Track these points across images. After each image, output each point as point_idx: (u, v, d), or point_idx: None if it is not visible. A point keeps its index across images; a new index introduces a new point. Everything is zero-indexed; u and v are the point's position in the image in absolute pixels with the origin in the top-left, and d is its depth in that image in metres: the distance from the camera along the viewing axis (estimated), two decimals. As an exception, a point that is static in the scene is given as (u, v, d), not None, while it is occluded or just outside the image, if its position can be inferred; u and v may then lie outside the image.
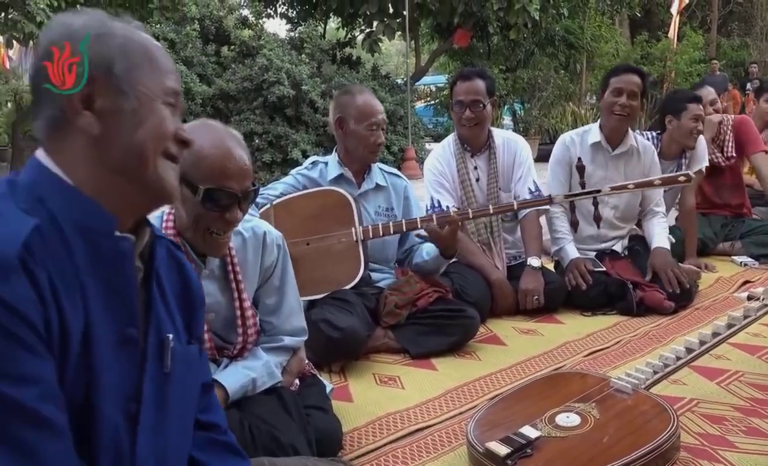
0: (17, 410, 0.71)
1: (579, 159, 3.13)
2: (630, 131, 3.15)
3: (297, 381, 1.77)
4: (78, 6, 10.08)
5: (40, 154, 0.86)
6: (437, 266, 2.68)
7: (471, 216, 2.52)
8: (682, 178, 2.59)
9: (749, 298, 2.17)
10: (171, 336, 0.94)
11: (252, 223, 1.70)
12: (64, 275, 0.79)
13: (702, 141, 3.64)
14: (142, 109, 0.87)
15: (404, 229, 2.58)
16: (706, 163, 3.65)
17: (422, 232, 2.55)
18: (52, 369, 0.76)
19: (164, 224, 1.53)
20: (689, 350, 1.92)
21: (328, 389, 1.84)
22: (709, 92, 4.00)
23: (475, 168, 3.01)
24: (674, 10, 13.75)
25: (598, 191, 2.81)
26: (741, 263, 3.69)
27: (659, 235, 3.08)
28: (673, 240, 3.15)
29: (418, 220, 2.56)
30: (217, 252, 1.53)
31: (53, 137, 0.86)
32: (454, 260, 2.96)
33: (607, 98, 3.08)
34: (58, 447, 0.74)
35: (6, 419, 0.71)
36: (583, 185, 3.11)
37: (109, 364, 0.83)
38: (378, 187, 2.68)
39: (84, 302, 0.81)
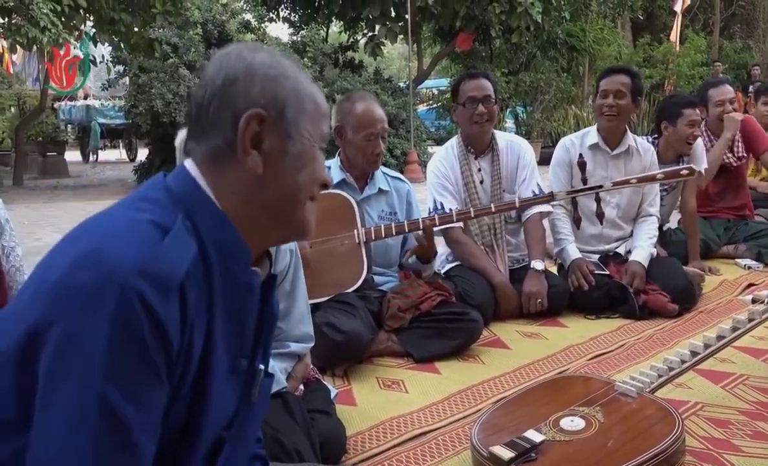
0: (123, 434, 0.71)
1: (580, 155, 3.13)
2: (628, 132, 3.16)
3: (301, 386, 1.76)
4: (81, 11, 10.12)
5: (193, 169, 0.86)
6: (422, 270, 2.69)
7: (473, 215, 2.52)
8: (684, 172, 2.59)
9: (754, 301, 2.17)
10: (262, 367, 0.95)
11: None
12: (201, 299, 0.79)
13: (700, 144, 3.64)
14: (305, 154, 0.88)
15: (406, 230, 2.58)
16: (706, 166, 3.64)
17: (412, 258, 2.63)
18: (164, 400, 0.76)
19: None
20: (694, 354, 1.92)
21: (332, 394, 1.84)
22: (727, 90, 3.96)
23: (479, 170, 3.01)
24: (678, 8, 13.71)
25: (600, 187, 2.81)
26: (745, 265, 3.68)
27: (640, 246, 3.05)
28: (655, 252, 3.12)
29: (420, 220, 2.56)
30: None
31: (212, 162, 0.86)
32: (457, 263, 2.96)
33: (597, 101, 3.15)
34: None
35: (108, 432, 0.70)
36: (585, 182, 3.11)
37: (220, 392, 0.84)
38: (381, 191, 2.68)
39: (209, 328, 0.81)
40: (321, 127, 0.91)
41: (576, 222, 3.19)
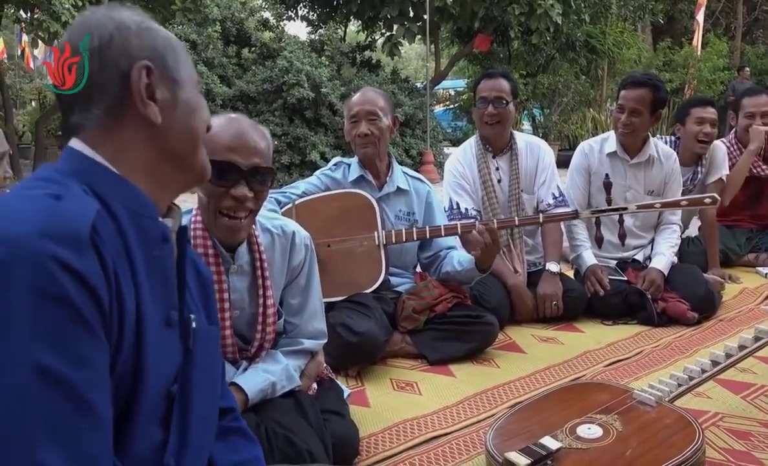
0: (69, 393, 0.69)
1: (606, 176, 3.09)
2: (650, 140, 3.11)
3: (315, 385, 1.75)
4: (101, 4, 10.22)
5: (78, 145, 0.85)
6: (469, 278, 2.56)
7: (496, 225, 2.45)
8: (708, 201, 2.53)
9: (776, 311, 2.12)
10: (193, 316, 0.94)
11: (281, 221, 1.69)
12: (120, 256, 0.79)
13: (721, 149, 3.58)
14: (191, 98, 0.92)
15: (428, 236, 2.54)
16: (726, 172, 3.58)
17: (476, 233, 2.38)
18: (107, 355, 0.75)
19: (193, 220, 1.55)
20: (715, 363, 1.88)
21: (345, 394, 1.83)
22: (762, 102, 3.76)
23: (497, 169, 2.98)
24: (700, 17, 13.55)
25: (624, 209, 2.77)
26: (766, 274, 3.62)
27: (660, 254, 3.01)
28: (675, 260, 3.07)
29: (442, 228, 2.53)
30: (230, 236, 1.53)
31: (107, 125, 0.85)
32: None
33: (614, 112, 3.11)
34: (99, 439, 0.72)
35: (56, 398, 0.68)
36: (609, 202, 3.07)
37: (157, 347, 0.83)
38: (399, 190, 2.65)
39: (135, 286, 0.81)
40: (194, 71, 0.94)
41: (598, 241, 3.15)
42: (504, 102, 2.88)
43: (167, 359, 0.88)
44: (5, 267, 0.68)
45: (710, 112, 3.44)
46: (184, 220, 1.55)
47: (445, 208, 2.88)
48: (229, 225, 1.50)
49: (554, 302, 2.83)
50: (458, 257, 2.57)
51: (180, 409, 0.90)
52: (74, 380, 0.69)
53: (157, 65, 0.87)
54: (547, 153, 3.05)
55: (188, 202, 1.54)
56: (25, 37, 12.26)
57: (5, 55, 13.92)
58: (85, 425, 0.70)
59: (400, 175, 2.67)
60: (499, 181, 2.97)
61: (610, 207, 2.97)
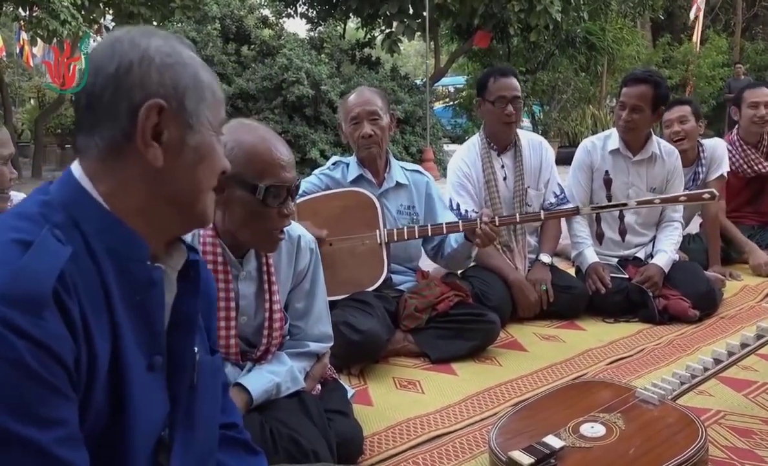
0: (38, 454, 0.69)
1: (606, 172, 3.09)
2: (652, 137, 3.11)
3: (319, 385, 1.75)
4: (101, 5, 10.19)
5: (78, 171, 0.82)
6: (467, 252, 2.60)
7: (497, 223, 2.47)
8: (706, 196, 2.54)
9: (778, 309, 2.13)
10: (197, 349, 0.93)
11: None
12: (95, 301, 0.77)
13: (719, 147, 3.59)
14: (204, 144, 0.86)
15: (429, 233, 2.54)
16: (727, 168, 3.59)
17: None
18: (75, 409, 0.74)
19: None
20: (717, 361, 1.88)
21: (349, 394, 1.83)
22: (762, 93, 3.78)
23: (502, 167, 2.98)
24: (692, 15, 13.53)
25: (624, 205, 2.77)
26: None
27: (662, 251, 3.01)
28: (676, 257, 3.08)
29: (444, 226, 2.53)
30: (273, 248, 1.56)
31: (107, 156, 0.82)
32: (473, 263, 2.94)
33: (616, 109, 3.11)
34: None
35: (26, 462, 0.69)
36: (609, 199, 3.07)
37: (139, 390, 0.82)
38: (398, 185, 2.65)
39: (113, 328, 0.79)
40: (220, 115, 0.89)
41: (599, 237, 3.15)
42: (521, 100, 2.92)
43: (153, 403, 0.86)
44: None
45: (678, 113, 3.50)
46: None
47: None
48: (277, 239, 1.52)
49: (543, 286, 2.84)
50: (454, 236, 2.59)
51: (181, 448, 0.89)
52: (39, 440, 0.69)
53: (172, 105, 0.82)
54: (549, 150, 3.07)
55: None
56: (24, 35, 12.23)
57: (4, 53, 13.90)
58: None
59: (398, 170, 2.67)
60: (504, 178, 2.97)
61: (610, 203, 2.97)
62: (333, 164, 2.68)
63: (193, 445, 0.91)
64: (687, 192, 2.88)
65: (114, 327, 0.79)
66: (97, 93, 0.81)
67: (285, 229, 1.65)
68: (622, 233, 3.14)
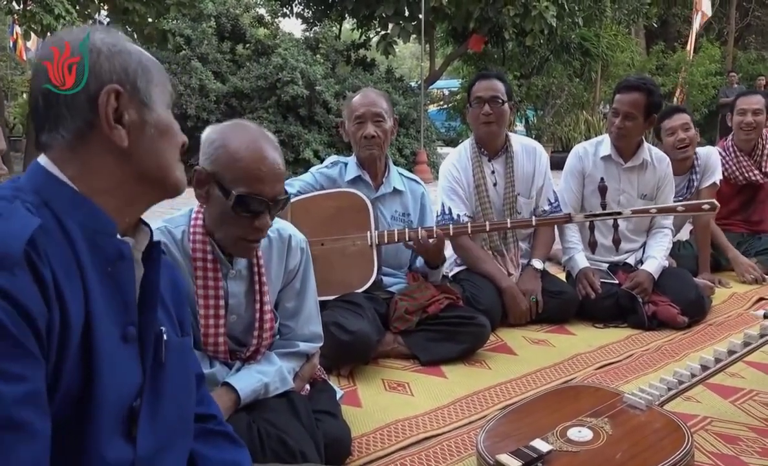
0: None
1: (602, 180, 3.10)
2: (644, 144, 3.12)
3: (308, 386, 1.75)
4: (96, 0, 10.15)
5: (45, 161, 0.87)
6: (429, 275, 2.66)
7: (488, 228, 2.49)
8: (706, 207, 2.55)
9: (766, 316, 2.14)
10: (164, 329, 0.95)
11: (277, 224, 1.67)
12: (68, 270, 0.80)
13: (713, 155, 3.61)
14: (161, 121, 0.92)
15: (419, 237, 2.55)
16: (720, 177, 3.61)
17: (411, 242, 2.54)
18: (42, 371, 0.75)
19: (192, 223, 1.53)
20: (704, 368, 1.89)
21: (338, 395, 1.83)
22: (753, 101, 3.83)
23: (493, 172, 2.98)
24: (696, 24, 13.56)
25: (619, 213, 2.77)
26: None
27: (652, 257, 3.03)
28: (666, 264, 3.09)
29: (435, 229, 2.53)
30: (245, 255, 1.54)
31: (75, 145, 0.86)
32: (465, 266, 2.95)
33: (609, 116, 3.12)
34: (31, 450, 0.73)
35: None
36: (604, 206, 3.08)
37: (112, 359, 0.84)
38: (396, 191, 2.65)
39: (86, 297, 0.82)
40: (168, 91, 0.95)
41: (591, 246, 3.16)
42: (500, 101, 2.88)
43: (125, 372, 0.88)
44: None
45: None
46: (182, 222, 1.54)
47: (437, 212, 2.89)
48: (248, 248, 1.49)
49: (533, 297, 2.84)
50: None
51: (148, 421, 0.90)
52: (1, 393, 0.70)
53: (127, 89, 0.87)
54: (544, 156, 3.06)
55: (190, 203, 1.54)
56: (17, 29, 12.16)
57: (-3, 47, 13.82)
58: (13, 438, 0.71)
59: (396, 177, 2.67)
60: (494, 184, 2.97)
61: (604, 212, 2.98)
62: (331, 163, 2.68)
63: (161, 421, 0.93)
64: (685, 202, 2.89)
65: (86, 294, 0.82)
66: (54, 91, 0.85)
67: (277, 228, 1.65)
68: (616, 242, 3.15)
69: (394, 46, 11.25)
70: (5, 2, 9.01)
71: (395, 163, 2.78)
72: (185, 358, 1.02)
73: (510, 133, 3.04)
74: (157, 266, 0.96)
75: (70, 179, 0.85)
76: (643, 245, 3.18)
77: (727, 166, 3.81)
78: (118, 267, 0.88)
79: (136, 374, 0.90)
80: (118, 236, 0.89)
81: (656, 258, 3.02)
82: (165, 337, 0.95)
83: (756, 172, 3.84)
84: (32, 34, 9.87)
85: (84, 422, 0.82)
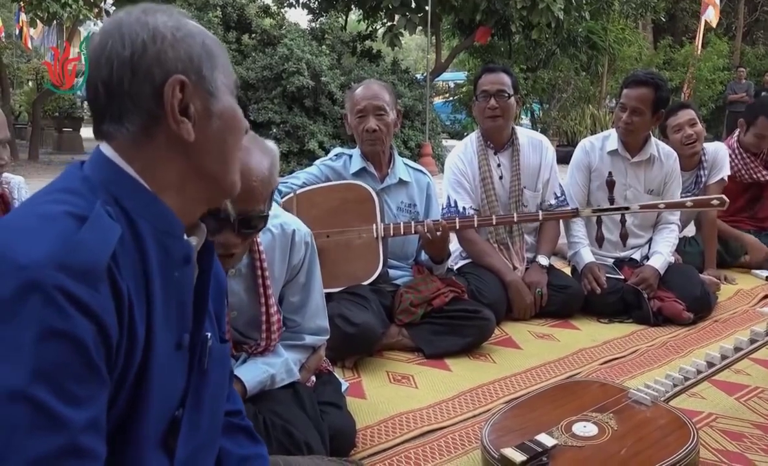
0: (61, 430, 0.67)
1: (609, 174, 3.08)
2: (651, 139, 3.11)
3: (313, 377, 1.75)
4: (102, -12, 10.12)
5: (110, 152, 0.82)
6: (434, 269, 2.65)
7: (494, 222, 2.49)
8: (715, 202, 2.54)
9: (772, 314, 2.14)
10: (209, 335, 0.92)
11: (281, 219, 1.66)
12: (138, 281, 0.77)
13: (720, 150, 3.59)
14: (226, 109, 0.86)
15: (426, 230, 2.54)
16: (728, 172, 3.59)
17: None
18: (107, 393, 0.73)
19: None
20: (710, 364, 1.89)
21: (343, 387, 1.83)
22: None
23: (499, 165, 2.97)
24: (708, 18, 13.42)
25: (627, 208, 2.76)
26: (766, 277, 3.63)
27: (659, 253, 3.02)
28: (672, 260, 3.08)
29: (441, 222, 2.53)
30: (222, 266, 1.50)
31: (140, 138, 0.81)
32: (470, 260, 2.94)
33: (616, 110, 3.10)
34: None
35: (46, 435, 0.66)
36: (612, 201, 3.07)
37: (163, 371, 0.81)
38: (401, 182, 2.64)
39: (149, 307, 0.78)
40: (232, 75, 0.89)
41: (598, 241, 3.13)
42: (506, 95, 2.86)
43: (173, 383, 0.85)
44: (16, 294, 0.66)
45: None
46: None
47: (443, 205, 2.88)
48: (221, 260, 1.46)
49: (538, 290, 2.84)
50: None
51: (187, 430, 0.87)
52: (68, 417, 0.67)
53: (192, 79, 0.81)
54: (550, 149, 3.05)
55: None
56: (23, 16, 12.16)
57: (3, 34, 13.81)
58: (77, 464, 0.68)
59: (402, 167, 2.66)
60: (500, 177, 2.96)
61: (611, 206, 2.97)
62: (336, 155, 2.67)
63: (199, 428, 0.91)
64: (694, 198, 2.88)
65: (149, 304, 0.78)
66: (116, 81, 0.79)
67: (281, 223, 1.63)
68: (624, 237, 3.13)
69: (400, 38, 11.19)
70: (12, -10, 9.01)
71: (400, 155, 2.77)
72: (224, 364, 1.00)
73: (516, 127, 3.03)
74: (213, 265, 0.92)
75: (137, 173, 0.81)
76: (649, 241, 3.17)
77: (733, 164, 3.78)
78: (183, 272, 0.84)
79: (181, 382, 0.87)
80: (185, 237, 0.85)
81: (662, 254, 3.00)
82: (210, 343, 0.92)
83: (764, 171, 3.82)
84: (38, 22, 9.86)
85: (127, 438, 0.79)
